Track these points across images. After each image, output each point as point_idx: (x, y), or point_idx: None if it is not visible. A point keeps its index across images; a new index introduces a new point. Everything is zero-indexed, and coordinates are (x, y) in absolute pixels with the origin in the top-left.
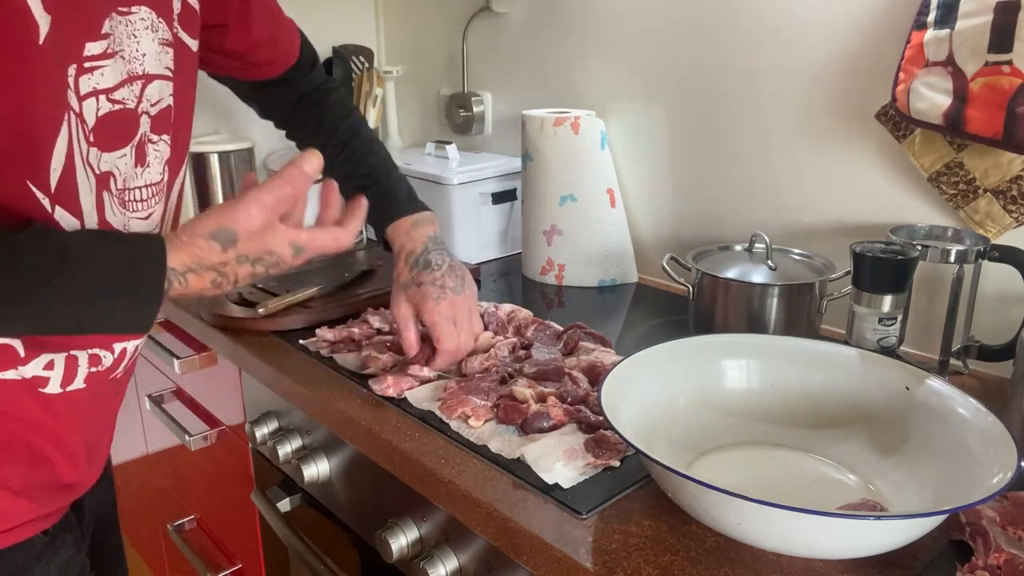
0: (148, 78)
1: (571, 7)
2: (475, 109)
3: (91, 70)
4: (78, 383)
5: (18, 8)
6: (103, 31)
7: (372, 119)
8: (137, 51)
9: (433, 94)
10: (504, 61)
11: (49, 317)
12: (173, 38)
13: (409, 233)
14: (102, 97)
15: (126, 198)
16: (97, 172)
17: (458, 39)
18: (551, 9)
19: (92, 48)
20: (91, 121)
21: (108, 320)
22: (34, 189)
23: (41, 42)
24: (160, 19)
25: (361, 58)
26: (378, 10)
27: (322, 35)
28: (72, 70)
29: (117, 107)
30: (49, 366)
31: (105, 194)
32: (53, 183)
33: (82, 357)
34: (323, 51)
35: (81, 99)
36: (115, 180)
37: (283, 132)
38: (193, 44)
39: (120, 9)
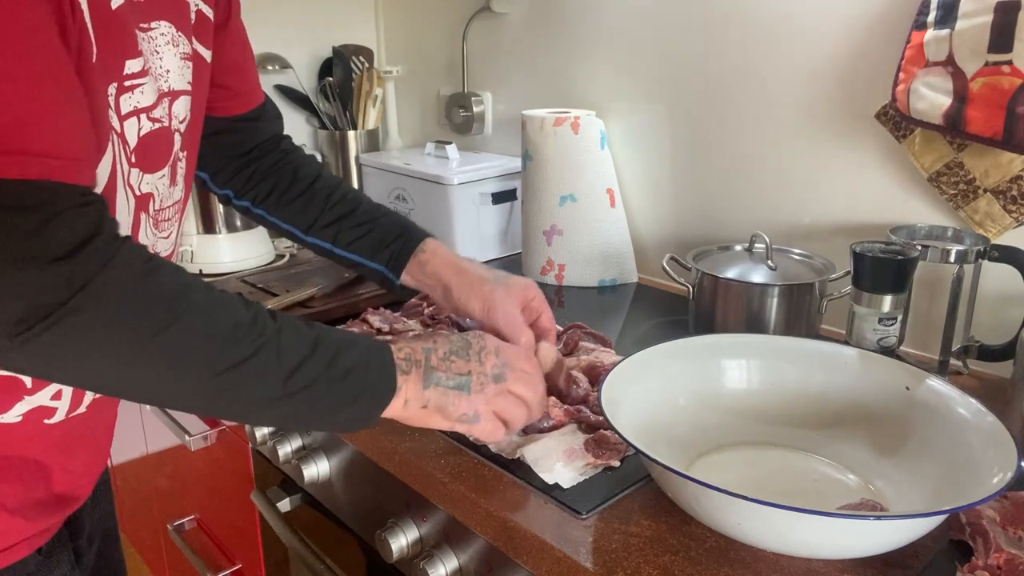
0: (174, 94)
1: (571, 7)
2: (475, 109)
3: (131, 88)
4: (81, 408)
5: (83, 26)
6: (139, 47)
7: (372, 119)
8: (161, 67)
9: (433, 94)
10: (504, 61)
11: (295, 421)
12: (191, 51)
13: (443, 248)
14: (143, 116)
15: (159, 218)
16: (137, 193)
17: (458, 39)
18: (551, 9)
19: (132, 66)
20: (133, 141)
21: (339, 424)
22: None
23: (94, 60)
24: (179, 32)
25: (361, 58)
26: (378, 10)
27: (322, 35)
28: (112, 89)
29: (157, 126)
30: (57, 396)
31: (143, 215)
32: None
33: None
34: (323, 51)
35: (122, 119)
36: (154, 201)
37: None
38: (207, 54)
39: (141, 25)
